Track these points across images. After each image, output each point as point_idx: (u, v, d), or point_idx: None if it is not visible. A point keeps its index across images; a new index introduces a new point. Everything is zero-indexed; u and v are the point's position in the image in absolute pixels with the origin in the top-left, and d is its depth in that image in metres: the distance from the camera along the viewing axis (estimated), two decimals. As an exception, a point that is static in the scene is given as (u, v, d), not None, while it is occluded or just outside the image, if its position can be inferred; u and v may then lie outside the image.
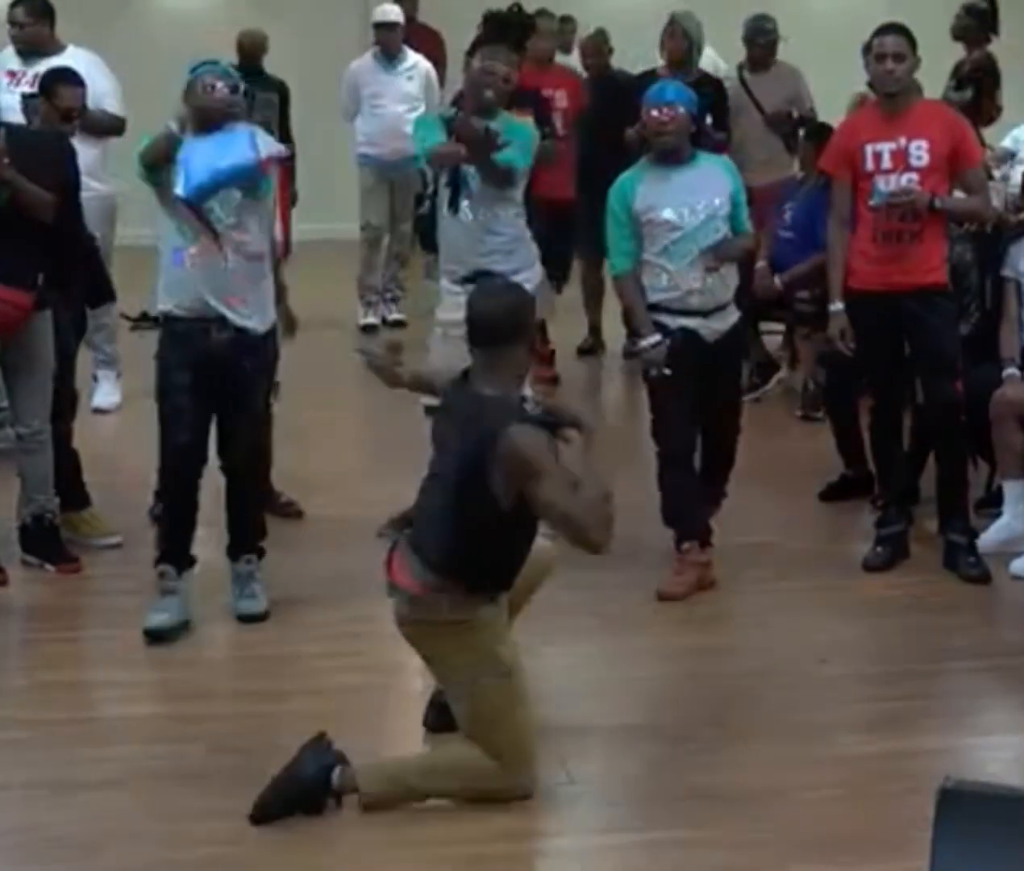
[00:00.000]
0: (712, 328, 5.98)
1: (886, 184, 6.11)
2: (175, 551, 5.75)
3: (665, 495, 6.08)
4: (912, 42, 6.18)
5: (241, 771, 4.65)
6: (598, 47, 10.11)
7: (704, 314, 5.95)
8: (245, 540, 5.88)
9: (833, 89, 9.64)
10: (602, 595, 5.76)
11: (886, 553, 6.39)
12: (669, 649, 5.59)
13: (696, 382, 5.95)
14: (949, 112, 6.43)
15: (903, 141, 6.13)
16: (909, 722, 5.04)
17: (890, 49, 6.12)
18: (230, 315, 5.55)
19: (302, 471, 7.17)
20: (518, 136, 6.15)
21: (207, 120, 5.51)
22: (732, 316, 6.06)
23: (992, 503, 6.68)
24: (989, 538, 6.38)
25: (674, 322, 5.95)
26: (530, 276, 6.12)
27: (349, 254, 11.16)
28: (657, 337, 5.96)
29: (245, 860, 4.24)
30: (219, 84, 5.54)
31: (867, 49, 6.32)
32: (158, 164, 5.50)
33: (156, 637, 5.56)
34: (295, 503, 6.90)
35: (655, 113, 5.93)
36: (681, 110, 5.93)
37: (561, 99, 9.45)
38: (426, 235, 6.82)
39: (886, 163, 6.13)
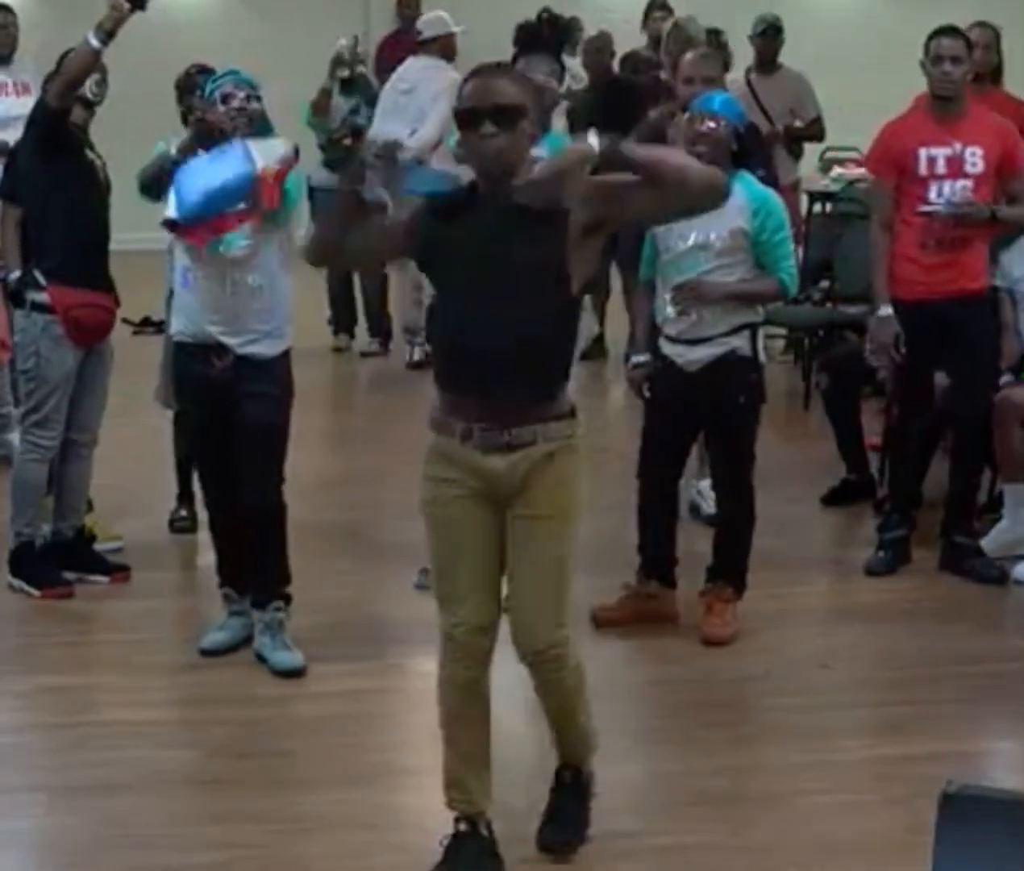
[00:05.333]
0: (689, 358, 5.52)
1: (939, 191, 6.00)
2: (233, 575, 5.55)
3: (639, 521, 5.81)
4: (969, 46, 6.06)
5: (244, 776, 4.66)
6: (600, 49, 10.11)
7: (684, 342, 5.53)
8: (272, 586, 5.44)
9: (834, 91, 9.66)
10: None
11: (888, 557, 6.37)
12: (670, 653, 5.58)
13: (679, 415, 5.62)
14: (998, 118, 6.28)
15: (958, 147, 6.02)
16: (911, 726, 5.03)
17: (947, 52, 5.99)
18: (231, 342, 5.27)
19: (306, 475, 7.15)
20: None
21: (223, 133, 5.29)
22: (721, 347, 5.47)
23: (993, 508, 6.68)
24: (990, 542, 6.37)
25: (663, 346, 5.64)
26: None
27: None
28: (640, 358, 5.74)
29: (249, 864, 4.23)
30: (239, 94, 5.33)
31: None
32: (152, 186, 5.32)
33: (212, 654, 5.48)
34: None
35: (696, 122, 5.49)
36: (722, 124, 5.46)
37: None
38: None
39: (941, 168, 6.01)
